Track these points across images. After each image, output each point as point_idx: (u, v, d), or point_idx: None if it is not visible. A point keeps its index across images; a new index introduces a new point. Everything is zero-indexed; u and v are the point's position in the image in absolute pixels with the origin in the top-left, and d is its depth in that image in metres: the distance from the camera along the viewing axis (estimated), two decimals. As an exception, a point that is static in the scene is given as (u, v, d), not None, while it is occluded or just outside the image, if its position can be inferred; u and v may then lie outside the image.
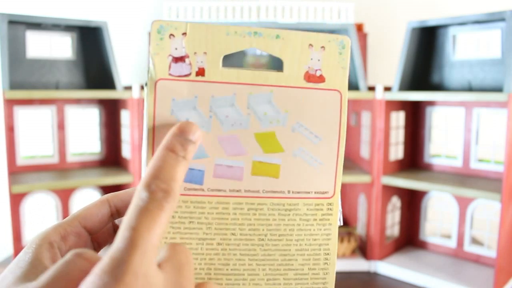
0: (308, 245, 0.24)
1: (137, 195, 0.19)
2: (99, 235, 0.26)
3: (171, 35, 0.22)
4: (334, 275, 0.24)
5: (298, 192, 0.23)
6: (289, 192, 0.23)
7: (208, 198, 0.23)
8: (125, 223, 0.18)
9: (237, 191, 0.23)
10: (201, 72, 0.22)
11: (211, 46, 0.22)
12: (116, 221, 0.27)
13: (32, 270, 0.20)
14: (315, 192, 0.24)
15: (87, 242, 0.25)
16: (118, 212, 0.26)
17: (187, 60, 0.22)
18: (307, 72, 0.23)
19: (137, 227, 0.18)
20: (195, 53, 0.22)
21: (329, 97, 0.23)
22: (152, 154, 0.22)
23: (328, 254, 0.24)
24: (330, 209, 0.24)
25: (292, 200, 0.23)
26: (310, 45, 0.23)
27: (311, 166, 0.23)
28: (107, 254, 0.17)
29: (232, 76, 0.22)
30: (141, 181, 0.20)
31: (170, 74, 0.22)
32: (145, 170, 0.20)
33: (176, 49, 0.22)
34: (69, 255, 0.18)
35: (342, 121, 0.24)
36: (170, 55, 0.22)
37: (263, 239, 0.23)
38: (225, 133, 0.23)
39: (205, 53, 0.22)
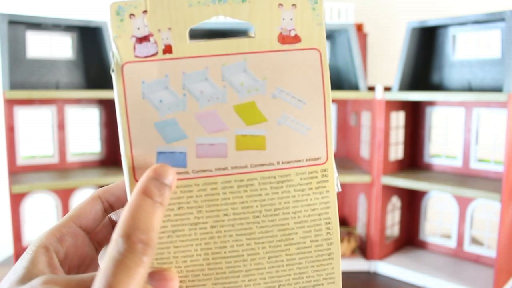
0: (306, 216, 0.22)
1: (115, 245, 0.18)
2: (98, 233, 0.26)
3: (131, 15, 0.21)
4: (339, 244, 0.23)
5: (289, 162, 0.22)
6: (278, 163, 0.22)
7: (195, 181, 0.22)
8: (102, 277, 0.17)
9: (224, 169, 0.22)
10: (168, 49, 0.21)
11: (175, 21, 0.21)
12: (112, 215, 0.27)
13: (27, 275, 0.20)
14: (306, 160, 0.22)
15: (84, 242, 0.24)
16: (111, 207, 0.26)
17: (151, 38, 0.21)
18: (280, 33, 0.22)
19: (114, 286, 0.17)
20: (159, 30, 0.21)
21: (308, 57, 0.22)
22: (130, 144, 0.21)
23: (329, 223, 0.23)
24: (325, 176, 0.22)
25: (283, 171, 0.22)
26: (280, 4, 0.21)
27: (299, 133, 0.22)
28: None
29: (202, 49, 0.21)
30: (117, 228, 0.19)
31: (136, 56, 0.21)
32: (121, 216, 0.19)
33: (138, 28, 0.21)
34: (37, 284, 0.17)
35: (325, 81, 0.22)
36: (133, 36, 0.21)
37: (258, 216, 0.22)
38: (202, 109, 0.21)
39: (169, 28, 0.21)
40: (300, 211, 0.22)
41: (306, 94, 0.22)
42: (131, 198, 0.20)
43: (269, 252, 0.22)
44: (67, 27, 0.93)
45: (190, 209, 0.22)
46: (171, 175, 0.20)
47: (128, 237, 0.18)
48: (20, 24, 0.88)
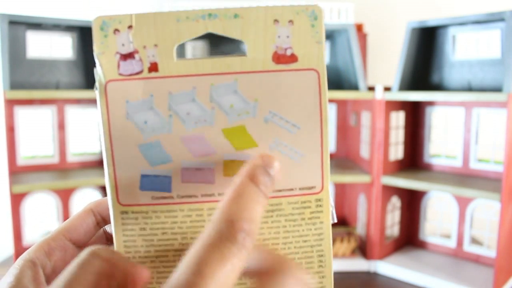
0: (298, 247, 0.21)
1: (213, 229, 0.16)
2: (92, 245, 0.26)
3: (116, 30, 0.19)
4: (332, 278, 0.22)
5: (280, 190, 0.21)
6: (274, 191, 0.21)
7: (180, 206, 0.21)
8: (192, 260, 0.16)
9: (210, 195, 0.21)
10: (154, 67, 0.20)
11: (161, 37, 0.20)
12: (107, 227, 0.26)
13: None
14: (299, 189, 0.21)
15: (74, 255, 0.24)
16: (104, 220, 0.25)
17: (136, 56, 0.20)
18: (275, 52, 0.20)
19: (206, 278, 0.15)
20: (144, 47, 0.20)
21: (305, 78, 0.20)
22: (113, 165, 0.20)
23: (322, 255, 0.21)
24: (320, 206, 0.21)
25: (273, 200, 0.21)
26: (276, 20, 0.20)
27: (292, 160, 0.21)
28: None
29: (189, 68, 0.20)
30: (219, 211, 0.17)
31: (120, 74, 0.20)
32: (224, 200, 0.17)
33: (123, 45, 0.20)
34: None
35: (322, 104, 0.20)
36: (117, 52, 0.20)
37: None
38: (189, 132, 0.20)
39: (155, 45, 0.20)
40: (291, 242, 0.21)
41: (301, 119, 0.20)
42: (235, 182, 0.18)
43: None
44: (67, 27, 0.93)
45: (175, 235, 0.21)
46: (276, 166, 0.19)
47: (232, 223, 0.16)
48: (20, 24, 0.88)
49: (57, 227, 0.24)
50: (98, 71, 0.20)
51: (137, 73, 0.20)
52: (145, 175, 0.21)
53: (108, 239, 0.26)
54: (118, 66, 0.20)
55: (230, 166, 0.21)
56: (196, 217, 0.21)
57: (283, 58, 0.20)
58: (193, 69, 0.20)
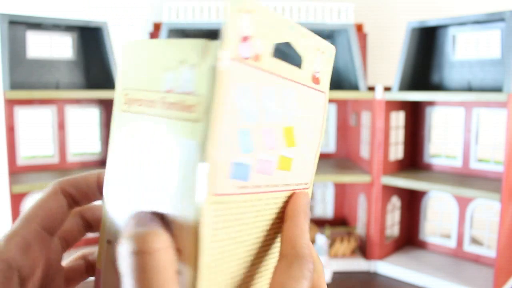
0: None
1: (299, 255, 0.21)
2: (67, 232, 0.22)
3: (243, 10, 0.20)
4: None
5: (297, 184, 0.25)
6: (291, 184, 0.24)
7: (250, 196, 0.21)
8: (278, 282, 0.20)
9: (267, 186, 0.23)
10: (258, 57, 0.21)
11: (271, 34, 0.21)
12: (78, 209, 0.23)
13: None
14: (304, 183, 0.25)
15: (50, 247, 0.20)
16: (76, 202, 0.22)
17: (250, 41, 0.20)
18: (314, 73, 0.24)
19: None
20: (257, 36, 0.20)
21: (320, 97, 0.25)
22: (218, 151, 0.19)
23: None
24: None
25: (288, 193, 0.25)
26: (318, 48, 0.24)
27: (304, 160, 0.25)
28: None
29: (281, 68, 0.22)
30: (298, 242, 0.21)
31: (237, 55, 0.20)
32: (298, 230, 0.22)
33: (243, 28, 0.20)
34: None
35: (324, 119, 0.26)
36: (238, 33, 0.20)
37: (268, 229, 0.24)
38: (266, 125, 0.22)
39: (264, 38, 0.21)
40: (280, 228, 0.26)
41: (314, 128, 0.25)
42: (296, 217, 0.23)
43: (269, 265, 0.26)
44: (67, 27, 0.93)
45: (240, 226, 0.21)
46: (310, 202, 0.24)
47: (309, 255, 0.21)
48: (20, 24, 0.88)
49: (25, 214, 0.20)
50: (217, 46, 0.19)
51: (247, 59, 0.20)
52: (236, 162, 0.20)
53: (86, 227, 0.23)
54: (238, 46, 0.20)
55: (282, 161, 0.23)
56: (258, 207, 0.22)
57: (315, 79, 0.25)
58: (283, 71, 0.23)
